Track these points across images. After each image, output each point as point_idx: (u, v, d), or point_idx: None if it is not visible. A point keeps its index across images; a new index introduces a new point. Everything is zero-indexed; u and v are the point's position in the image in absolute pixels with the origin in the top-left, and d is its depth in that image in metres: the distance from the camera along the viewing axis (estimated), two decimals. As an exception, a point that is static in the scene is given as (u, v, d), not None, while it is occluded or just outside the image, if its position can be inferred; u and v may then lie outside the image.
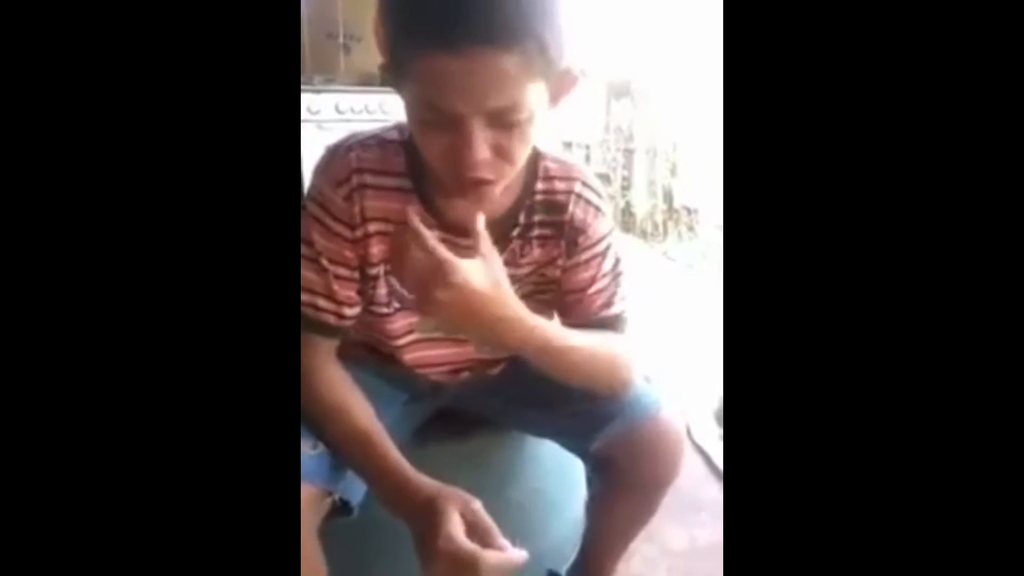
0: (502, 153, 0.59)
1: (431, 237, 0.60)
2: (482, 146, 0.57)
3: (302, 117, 2.99)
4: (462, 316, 0.61)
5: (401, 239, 0.60)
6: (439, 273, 0.58)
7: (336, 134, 2.86)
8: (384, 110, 3.10)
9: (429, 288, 0.59)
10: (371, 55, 3.43)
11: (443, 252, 0.59)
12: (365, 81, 3.51)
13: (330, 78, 3.46)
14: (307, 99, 2.99)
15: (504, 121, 0.57)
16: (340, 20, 4.03)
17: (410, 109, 0.59)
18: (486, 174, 0.59)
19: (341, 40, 3.96)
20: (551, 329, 0.68)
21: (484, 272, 0.61)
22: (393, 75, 0.59)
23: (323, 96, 3.03)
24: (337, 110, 3.04)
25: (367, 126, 2.79)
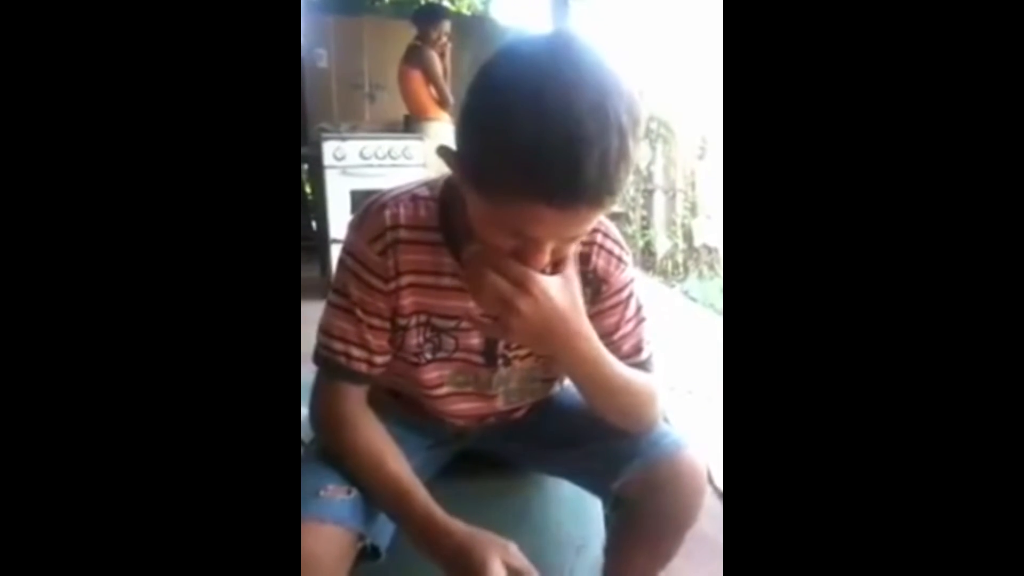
0: (557, 253, 0.64)
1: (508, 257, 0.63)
2: (547, 256, 0.62)
3: (328, 163, 3.09)
4: (541, 326, 0.64)
5: (478, 263, 0.64)
6: (520, 284, 0.62)
7: (360, 179, 2.94)
8: (407, 155, 3.19)
9: (510, 300, 0.62)
10: (395, 103, 3.54)
11: (522, 267, 0.62)
12: (389, 128, 3.63)
13: (355, 125, 3.57)
14: (333, 146, 3.10)
15: (569, 238, 0.62)
16: (365, 71, 4.20)
17: (482, 215, 0.61)
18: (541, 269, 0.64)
19: (367, 90, 4.12)
20: (607, 353, 0.72)
21: (562, 288, 0.65)
22: (464, 186, 0.61)
23: (348, 143, 3.13)
24: (362, 156, 3.13)
25: (391, 171, 2.87)
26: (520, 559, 0.66)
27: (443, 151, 0.63)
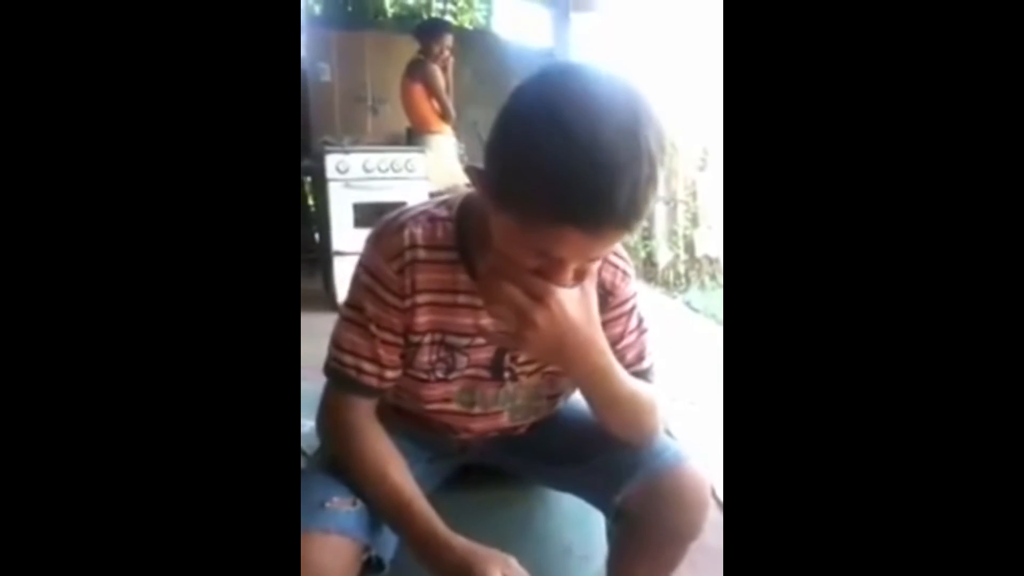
0: (579, 273, 0.65)
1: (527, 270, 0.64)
2: (570, 275, 0.63)
3: (331, 176, 3.10)
4: (556, 339, 0.65)
5: (495, 275, 0.64)
6: (537, 296, 0.63)
7: (363, 192, 2.95)
8: (409, 168, 3.20)
9: (527, 312, 0.63)
10: (397, 117, 3.55)
11: (539, 279, 0.63)
12: (391, 141, 3.65)
13: (358, 138, 3.60)
14: (335, 159, 3.12)
15: (592, 259, 0.64)
16: (368, 84, 4.24)
17: (506, 235, 0.61)
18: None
19: (369, 103, 4.16)
20: (616, 364, 0.73)
21: (579, 301, 0.66)
22: (490, 206, 0.62)
23: (351, 156, 3.15)
24: (364, 169, 3.15)
25: (393, 183, 2.87)
26: (520, 573, 0.67)
27: (471, 171, 0.64)
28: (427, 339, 0.76)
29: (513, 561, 0.67)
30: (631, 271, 0.80)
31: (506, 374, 0.80)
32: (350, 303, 0.75)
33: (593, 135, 0.53)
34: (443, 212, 0.75)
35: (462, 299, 0.74)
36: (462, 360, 0.78)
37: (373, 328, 0.73)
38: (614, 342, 0.78)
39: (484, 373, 0.80)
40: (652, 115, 0.56)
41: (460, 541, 0.68)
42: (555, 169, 0.54)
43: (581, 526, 0.96)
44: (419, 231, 0.73)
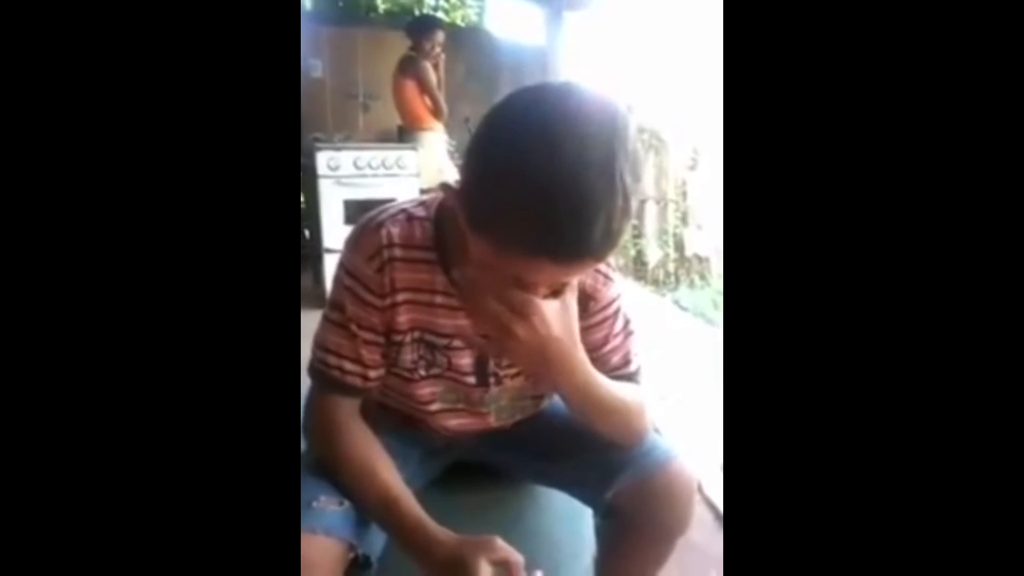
0: (555, 291, 0.66)
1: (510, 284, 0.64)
2: (542, 291, 0.64)
3: (322, 173, 3.09)
4: (537, 351, 0.65)
5: (476, 286, 0.64)
6: (519, 309, 0.63)
7: (354, 189, 2.94)
8: (400, 165, 3.20)
9: (507, 324, 0.63)
10: (388, 113, 3.54)
11: (521, 292, 0.63)
12: (382, 138, 3.64)
13: (349, 135, 3.58)
14: (327, 156, 3.11)
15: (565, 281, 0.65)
16: (360, 81, 4.23)
17: (479, 254, 0.60)
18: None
19: (361, 100, 4.14)
20: (599, 375, 0.73)
21: (560, 314, 0.66)
22: (466, 228, 0.61)
23: (342, 153, 3.14)
24: (355, 166, 3.14)
25: (384, 180, 2.86)
26: (504, 549, 0.67)
27: (447, 188, 0.64)
28: (408, 338, 0.76)
29: (498, 541, 0.68)
30: (613, 275, 0.80)
31: (491, 379, 0.81)
32: (332, 304, 0.76)
33: (569, 165, 0.52)
34: (421, 212, 0.76)
35: (440, 299, 0.75)
36: (442, 360, 0.79)
37: (354, 328, 0.74)
38: (598, 346, 0.78)
39: (469, 379, 0.80)
40: (628, 146, 0.55)
41: (448, 535, 0.69)
42: (529, 201, 0.53)
43: (570, 524, 0.96)
44: (396, 230, 0.73)
